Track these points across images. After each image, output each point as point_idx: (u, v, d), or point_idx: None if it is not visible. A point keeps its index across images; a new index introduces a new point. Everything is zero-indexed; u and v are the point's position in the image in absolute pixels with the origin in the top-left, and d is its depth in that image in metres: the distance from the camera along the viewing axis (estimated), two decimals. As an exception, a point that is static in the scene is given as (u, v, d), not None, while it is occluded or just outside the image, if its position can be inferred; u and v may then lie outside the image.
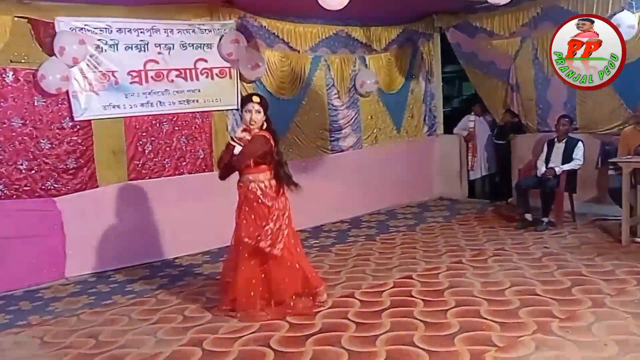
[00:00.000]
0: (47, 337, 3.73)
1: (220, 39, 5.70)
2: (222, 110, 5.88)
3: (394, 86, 7.46)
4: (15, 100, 4.75)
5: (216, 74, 5.77)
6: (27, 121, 4.80)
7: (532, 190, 5.95)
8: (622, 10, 5.43)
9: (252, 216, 3.68)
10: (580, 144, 5.89)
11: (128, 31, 5.20)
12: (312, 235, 6.13)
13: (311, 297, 3.91)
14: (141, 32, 5.27)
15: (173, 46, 5.48)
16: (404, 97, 7.59)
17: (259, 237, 3.64)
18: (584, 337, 3.18)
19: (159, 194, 5.43)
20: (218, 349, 3.35)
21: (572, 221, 5.98)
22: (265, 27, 6.12)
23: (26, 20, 4.73)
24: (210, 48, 5.69)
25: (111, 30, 5.11)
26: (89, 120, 5.09)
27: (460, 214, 6.88)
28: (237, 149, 3.66)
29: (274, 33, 6.20)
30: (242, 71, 5.89)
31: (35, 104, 4.83)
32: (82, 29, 4.96)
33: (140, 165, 5.43)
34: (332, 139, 6.88)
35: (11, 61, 4.70)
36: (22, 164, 4.80)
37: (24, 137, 4.80)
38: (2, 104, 4.69)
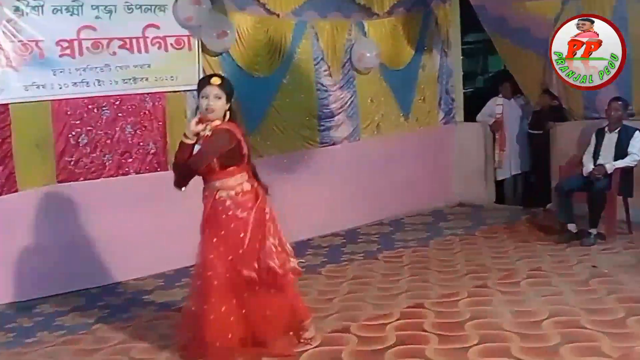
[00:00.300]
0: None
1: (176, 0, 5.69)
2: (179, 91, 5.86)
3: (401, 61, 7.48)
4: None
5: (171, 45, 5.75)
6: None
7: (576, 194, 6.00)
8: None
9: (222, 232, 3.66)
10: (637, 134, 5.96)
11: (57, -12, 5.17)
12: (297, 253, 6.09)
13: (294, 333, 3.91)
14: (74, -10, 5.25)
15: (115, 8, 5.44)
16: (413, 75, 7.62)
17: (266, 260, 3.64)
18: (641, 382, 3.22)
19: (97, 201, 5.39)
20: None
21: (627, 233, 6.04)
22: (235, -17, 6.14)
23: None
24: (164, 11, 5.67)
25: (35, -13, 5.08)
26: (6, 105, 5.05)
27: (486, 225, 6.91)
28: (195, 147, 3.65)
29: (246, -9, 6.22)
30: (205, 41, 5.87)
31: None
32: (-5, -15, 4.93)
33: (72, 163, 5.39)
34: (322, 128, 6.88)
35: None
36: None
37: None
38: None
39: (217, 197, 3.67)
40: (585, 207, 5.94)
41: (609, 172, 5.87)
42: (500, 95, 7.77)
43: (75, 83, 5.34)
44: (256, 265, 3.65)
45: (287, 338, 3.87)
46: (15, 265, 5.09)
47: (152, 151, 5.78)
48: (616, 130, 6.05)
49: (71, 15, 5.27)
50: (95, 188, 5.45)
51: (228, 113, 3.71)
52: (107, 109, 5.54)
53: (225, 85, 3.70)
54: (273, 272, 3.67)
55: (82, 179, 5.43)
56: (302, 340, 3.90)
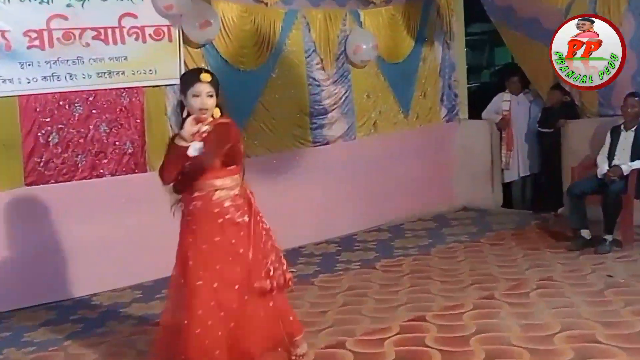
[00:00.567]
0: None
1: (155, -14, 5.70)
2: (159, 86, 5.87)
3: (400, 53, 7.51)
4: None
5: (150, 35, 5.76)
6: None
7: (590, 197, 6.02)
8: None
9: (217, 238, 3.64)
10: (655, 132, 6.00)
11: (24, -26, 5.17)
12: (287, 261, 6.10)
13: (284, 349, 3.89)
14: (43, -24, 5.25)
15: (89, -5, 5.46)
16: (413, 69, 7.64)
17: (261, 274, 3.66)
18: (661, 401, 3.24)
19: (69, 205, 5.39)
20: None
21: (645, 240, 6.07)
22: (219, -31, 6.14)
23: None
24: (142, -1, 5.68)
25: (0, -27, 5.08)
26: (-31, 101, 5.05)
27: (492, 231, 6.93)
28: (193, 150, 3.61)
29: (231, -22, 6.23)
30: (187, 31, 5.88)
31: None
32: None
33: (42, 164, 5.38)
34: (314, 126, 6.89)
35: None
36: None
37: None
38: None
39: (213, 197, 3.65)
40: (599, 212, 5.96)
41: (625, 173, 5.89)
42: (507, 91, 7.79)
43: (44, 77, 5.33)
44: (263, 274, 3.68)
45: (279, 355, 3.85)
46: (-21, 276, 5.07)
47: (129, 151, 5.76)
48: (633, 129, 6.07)
49: (40, 3, 5.26)
50: (67, 191, 5.44)
51: (216, 109, 3.72)
52: (79, 106, 5.53)
53: (216, 81, 3.71)
54: (284, 277, 3.76)
55: (52, 181, 5.42)
56: (293, 357, 3.87)
